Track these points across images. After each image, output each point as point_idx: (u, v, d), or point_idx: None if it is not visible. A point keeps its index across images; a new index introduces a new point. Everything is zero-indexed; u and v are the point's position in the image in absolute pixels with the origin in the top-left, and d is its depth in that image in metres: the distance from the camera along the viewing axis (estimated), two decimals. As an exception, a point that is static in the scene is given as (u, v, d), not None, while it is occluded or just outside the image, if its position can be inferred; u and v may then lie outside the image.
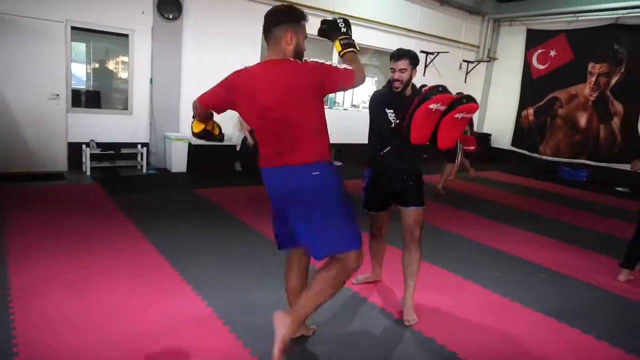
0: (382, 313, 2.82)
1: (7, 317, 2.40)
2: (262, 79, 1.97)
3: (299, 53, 2.04)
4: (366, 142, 2.89)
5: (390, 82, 2.72)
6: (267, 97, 1.95)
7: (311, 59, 2.02)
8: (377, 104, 2.70)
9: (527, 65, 10.17)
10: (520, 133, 10.34)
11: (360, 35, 8.50)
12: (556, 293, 3.36)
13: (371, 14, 8.56)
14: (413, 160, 2.81)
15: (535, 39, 10.00)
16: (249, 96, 2.00)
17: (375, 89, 11.36)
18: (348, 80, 2.03)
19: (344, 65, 2.05)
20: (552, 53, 9.66)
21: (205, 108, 2.17)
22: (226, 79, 2.10)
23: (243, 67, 2.08)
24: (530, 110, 10.16)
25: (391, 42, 9.10)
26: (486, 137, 10.68)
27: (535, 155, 10.04)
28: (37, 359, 2.10)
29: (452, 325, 2.74)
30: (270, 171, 2.04)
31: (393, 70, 2.67)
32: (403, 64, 2.64)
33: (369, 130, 2.84)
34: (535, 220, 5.51)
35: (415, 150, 2.73)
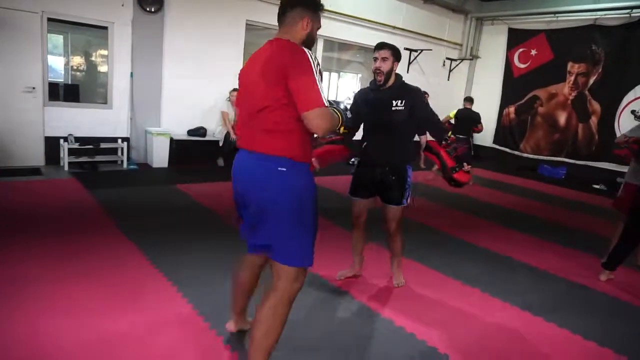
0: (362, 308, 2.83)
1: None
2: (255, 56, 1.92)
3: (310, 42, 1.92)
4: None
5: (374, 79, 2.84)
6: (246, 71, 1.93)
7: (310, 55, 1.77)
8: (355, 98, 3.02)
9: (508, 64, 10.32)
10: (502, 131, 10.49)
11: (345, 32, 8.57)
12: (534, 289, 3.41)
13: (357, 10, 8.56)
14: (393, 154, 2.89)
15: (516, 38, 10.14)
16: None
17: (360, 86, 11.38)
18: (308, 101, 1.70)
19: (321, 92, 1.72)
20: (533, 52, 9.81)
21: None
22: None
23: None
24: (512, 109, 10.30)
25: (376, 39, 8.96)
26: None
27: (516, 152, 10.20)
28: None
29: (432, 320, 2.76)
30: (240, 154, 1.92)
31: (375, 59, 2.79)
32: (385, 53, 2.77)
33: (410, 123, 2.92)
34: (515, 217, 5.59)
35: (395, 145, 2.88)
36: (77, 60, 7.87)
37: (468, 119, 7.27)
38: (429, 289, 3.21)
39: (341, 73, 12.14)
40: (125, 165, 6.30)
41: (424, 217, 5.07)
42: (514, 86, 10.19)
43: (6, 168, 5.50)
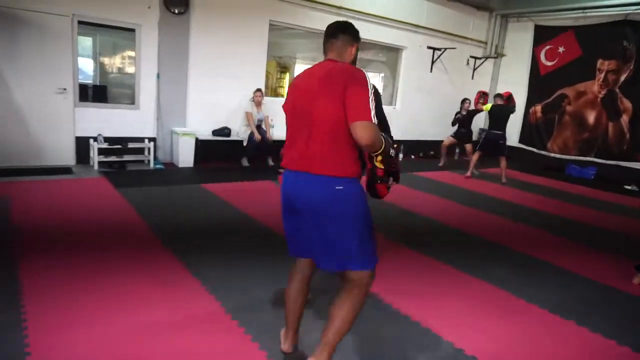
0: (387, 307, 2.82)
1: (19, 315, 2.42)
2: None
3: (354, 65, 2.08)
4: None
5: None
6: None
7: (368, 77, 1.86)
8: None
9: (535, 62, 10.09)
10: (528, 130, 10.27)
11: (366, 31, 8.51)
12: (563, 291, 3.33)
13: (378, 9, 8.50)
14: None
15: (543, 35, 9.91)
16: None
17: (382, 85, 11.23)
18: (362, 113, 1.77)
19: (372, 110, 1.79)
20: (561, 49, 9.58)
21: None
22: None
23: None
24: (538, 107, 10.08)
25: (398, 38, 9.07)
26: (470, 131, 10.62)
27: (542, 152, 9.97)
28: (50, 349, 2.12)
29: (458, 322, 2.73)
30: (293, 174, 1.95)
31: None
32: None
33: None
34: (543, 218, 5.47)
35: None
36: (105, 62, 8.06)
37: (502, 115, 7.34)
38: (455, 291, 3.17)
39: (363, 72, 12.10)
40: (151, 164, 6.43)
41: (446, 218, 5.01)
42: (541, 84, 9.97)
43: (39, 167, 5.68)
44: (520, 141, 10.39)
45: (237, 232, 3.98)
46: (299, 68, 11.15)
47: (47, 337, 2.21)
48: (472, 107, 8.28)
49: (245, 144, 6.99)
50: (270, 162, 7.39)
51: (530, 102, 10.22)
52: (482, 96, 8.12)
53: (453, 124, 8.51)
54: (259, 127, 6.93)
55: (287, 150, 2.01)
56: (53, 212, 4.10)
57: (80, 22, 5.87)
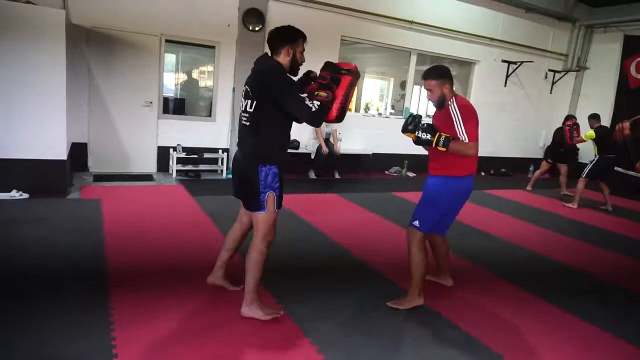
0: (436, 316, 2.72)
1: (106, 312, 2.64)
2: None
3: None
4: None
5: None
6: None
7: None
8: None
9: (623, 75, 9.36)
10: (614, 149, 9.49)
11: (438, 45, 8.40)
12: None
13: (451, 22, 8.36)
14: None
15: (633, 46, 9.17)
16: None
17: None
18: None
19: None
20: (654, 61, 8.82)
21: None
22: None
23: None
24: (626, 124, 9.25)
25: (470, 52, 8.84)
26: (574, 151, 9.94)
27: (630, 173, 9.16)
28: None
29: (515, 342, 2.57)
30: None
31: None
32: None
33: (278, 123, 2.50)
34: (631, 245, 5.02)
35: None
36: (185, 77, 8.61)
37: (610, 136, 6.71)
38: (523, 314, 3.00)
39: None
40: (224, 174, 6.74)
41: (520, 239, 4.75)
42: (630, 99, 9.20)
43: (126, 174, 6.18)
44: (605, 160, 9.62)
45: (306, 242, 4.04)
46: (368, 82, 11.22)
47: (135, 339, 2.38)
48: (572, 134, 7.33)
49: (313, 156, 7.13)
50: (337, 175, 7.46)
51: (616, 118, 9.44)
52: (573, 127, 7.25)
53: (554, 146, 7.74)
54: (327, 140, 7.04)
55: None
56: (138, 215, 4.43)
57: (167, 41, 6.35)
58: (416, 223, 2.85)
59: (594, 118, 6.88)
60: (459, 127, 2.66)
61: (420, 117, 2.80)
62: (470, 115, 2.70)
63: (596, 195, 7.29)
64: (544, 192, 7.75)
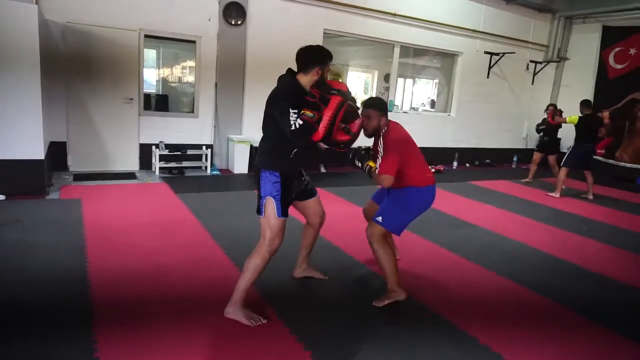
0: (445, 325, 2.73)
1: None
2: None
3: None
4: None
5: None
6: None
7: None
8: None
9: (602, 65, 9.50)
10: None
11: (421, 37, 8.41)
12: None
13: (433, 14, 8.36)
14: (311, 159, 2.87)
15: (612, 36, 9.31)
16: None
17: (437, 92, 11.04)
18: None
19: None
20: (632, 51, 8.96)
21: None
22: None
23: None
24: (606, 114, 9.41)
25: (453, 43, 8.87)
26: (556, 140, 10.07)
27: (610, 161, 9.33)
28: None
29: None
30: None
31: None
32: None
33: (278, 131, 2.51)
34: (611, 232, 5.11)
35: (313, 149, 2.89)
36: (166, 73, 8.47)
37: (594, 126, 6.80)
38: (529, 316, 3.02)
39: (416, 79, 11.94)
40: (208, 171, 6.66)
41: (503, 229, 4.80)
42: (609, 89, 9.35)
43: (107, 172, 6.05)
44: (586, 149, 9.78)
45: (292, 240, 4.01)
46: (352, 75, 11.19)
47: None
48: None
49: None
50: (323, 169, 7.44)
51: (596, 108, 9.60)
52: (557, 110, 7.49)
53: (537, 131, 7.95)
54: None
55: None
56: (120, 215, 4.34)
57: (146, 36, 6.22)
58: (379, 219, 2.88)
59: (584, 105, 6.91)
60: (379, 157, 2.80)
61: (361, 151, 2.95)
62: (392, 148, 2.79)
63: (577, 184, 7.38)
64: (534, 183, 7.83)
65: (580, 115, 6.81)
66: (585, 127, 6.72)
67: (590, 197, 6.85)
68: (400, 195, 2.91)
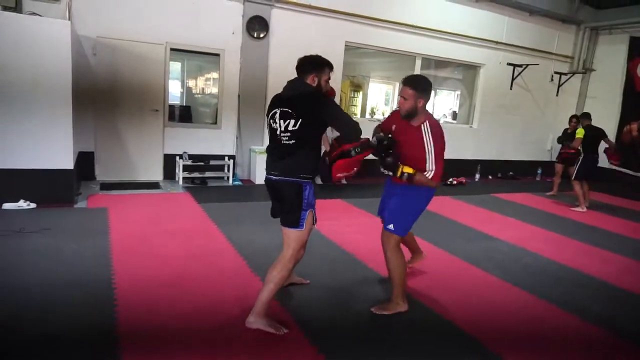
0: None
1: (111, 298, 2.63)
2: None
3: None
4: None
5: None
6: None
7: None
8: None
9: (629, 77, 9.30)
10: (622, 150, 9.41)
11: (443, 49, 8.39)
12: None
13: (455, 26, 8.35)
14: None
15: (639, 47, 9.12)
16: None
17: (458, 103, 10.93)
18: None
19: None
20: (661, 63, 8.75)
21: None
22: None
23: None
24: (634, 125, 9.17)
25: (475, 55, 8.83)
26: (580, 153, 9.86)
27: (639, 175, 9.07)
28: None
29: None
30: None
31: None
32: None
33: (316, 138, 2.58)
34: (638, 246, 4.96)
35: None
36: (191, 84, 8.65)
37: (598, 136, 6.78)
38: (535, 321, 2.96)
39: (438, 90, 11.87)
40: (230, 181, 6.75)
41: (529, 243, 4.70)
42: (637, 100, 9.13)
43: (132, 182, 6.20)
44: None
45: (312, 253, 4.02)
46: (373, 87, 11.22)
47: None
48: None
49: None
50: (344, 181, 7.45)
51: (624, 120, 9.37)
52: (579, 121, 7.23)
53: (559, 142, 7.76)
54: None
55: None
56: (144, 223, 4.43)
57: (172, 49, 6.39)
58: (391, 227, 2.81)
59: (584, 117, 6.97)
60: (430, 158, 2.64)
61: (390, 144, 2.73)
62: (441, 148, 2.66)
63: (601, 197, 7.18)
64: (561, 196, 7.68)
65: (583, 126, 6.82)
66: (590, 138, 6.71)
67: (586, 205, 6.74)
68: (412, 195, 2.79)
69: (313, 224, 2.58)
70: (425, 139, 2.65)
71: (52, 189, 4.78)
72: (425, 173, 2.64)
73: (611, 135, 9.51)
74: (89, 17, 5.75)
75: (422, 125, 2.69)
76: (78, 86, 5.43)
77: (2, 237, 3.71)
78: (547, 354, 2.58)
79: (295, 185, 2.49)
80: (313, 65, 2.57)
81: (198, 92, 8.60)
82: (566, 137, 7.33)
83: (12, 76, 4.44)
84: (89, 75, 5.85)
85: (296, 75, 2.63)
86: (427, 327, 2.78)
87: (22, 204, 4.59)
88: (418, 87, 2.69)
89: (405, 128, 2.76)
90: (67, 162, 4.82)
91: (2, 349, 2.22)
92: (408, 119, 2.74)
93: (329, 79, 2.63)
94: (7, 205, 4.54)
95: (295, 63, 2.64)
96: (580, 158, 6.73)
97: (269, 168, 2.60)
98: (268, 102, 2.77)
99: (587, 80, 10.16)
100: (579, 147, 6.71)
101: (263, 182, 2.68)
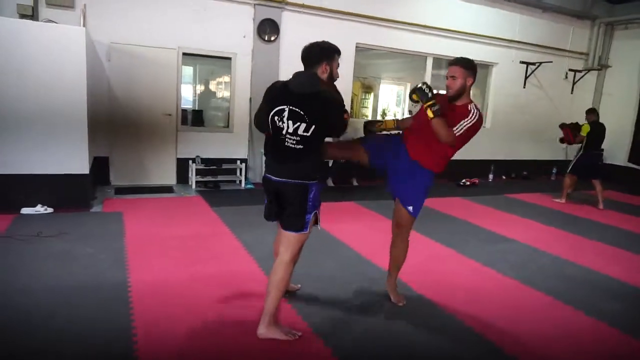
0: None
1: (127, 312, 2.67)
2: None
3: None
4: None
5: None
6: None
7: None
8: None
9: (646, 72, 9.12)
10: (638, 148, 9.24)
11: (454, 48, 8.31)
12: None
13: (466, 25, 8.28)
14: None
15: (657, 42, 8.94)
16: None
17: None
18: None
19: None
20: (679, 58, 8.56)
21: None
22: None
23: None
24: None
25: (488, 54, 8.74)
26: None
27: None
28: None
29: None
30: None
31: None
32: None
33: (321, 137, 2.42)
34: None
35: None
36: (203, 88, 8.73)
37: (602, 132, 6.73)
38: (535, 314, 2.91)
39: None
40: (243, 184, 6.78)
41: (544, 243, 4.63)
42: (655, 97, 8.96)
43: (146, 186, 6.27)
44: (630, 160, 9.37)
45: (324, 252, 4.03)
46: (384, 88, 11.18)
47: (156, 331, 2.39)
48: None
49: (330, 164, 7.10)
50: (355, 182, 7.43)
51: (642, 117, 9.22)
52: (574, 128, 6.97)
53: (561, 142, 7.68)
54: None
55: None
56: (159, 227, 4.48)
57: (184, 54, 6.45)
58: (411, 209, 2.79)
59: (590, 112, 6.88)
60: (463, 124, 2.59)
61: (432, 93, 2.61)
62: (473, 130, 2.64)
63: (615, 196, 7.06)
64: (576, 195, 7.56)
65: (589, 122, 6.71)
66: (595, 134, 6.64)
67: (601, 207, 6.59)
68: (426, 178, 2.78)
69: (316, 223, 2.49)
70: (469, 116, 2.61)
71: (69, 193, 4.86)
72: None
73: (626, 131, 9.38)
74: (103, 23, 5.84)
75: (469, 105, 2.67)
76: (93, 91, 5.51)
77: (21, 241, 3.78)
78: (562, 356, 2.54)
79: (300, 186, 2.36)
80: (324, 53, 2.43)
81: (210, 96, 8.67)
82: (576, 128, 7.20)
83: (30, 83, 4.53)
84: (103, 81, 5.94)
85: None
86: (443, 329, 2.76)
87: (40, 209, 4.68)
88: (467, 65, 2.68)
89: (450, 107, 2.71)
90: (83, 167, 4.89)
91: (18, 351, 2.26)
92: (454, 100, 2.71)
93: (339, 65, 2.51)
94: (25, 210, 4.63)
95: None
96: (580, 154, 6.70)
97: (269, 169, 2.48)
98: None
99: (603, 77, 9.99)
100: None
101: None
